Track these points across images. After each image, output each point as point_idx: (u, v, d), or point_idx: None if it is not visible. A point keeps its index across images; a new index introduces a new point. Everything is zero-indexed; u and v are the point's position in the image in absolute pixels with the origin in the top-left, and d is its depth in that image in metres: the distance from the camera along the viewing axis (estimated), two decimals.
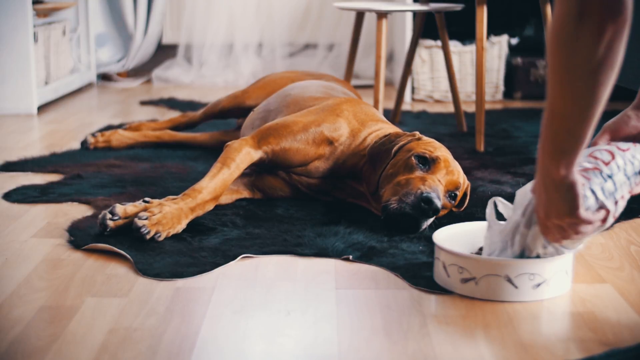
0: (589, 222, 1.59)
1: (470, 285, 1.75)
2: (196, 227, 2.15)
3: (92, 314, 1.66)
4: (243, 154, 2.29)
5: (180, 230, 2.11)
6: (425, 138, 2.32)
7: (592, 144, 1.70)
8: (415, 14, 3.84)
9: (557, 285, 1.76)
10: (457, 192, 2.24)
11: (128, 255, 1.96)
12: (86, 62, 4.79)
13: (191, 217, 2.14)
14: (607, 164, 1.64)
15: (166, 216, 2.07)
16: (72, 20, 4.70)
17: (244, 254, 2.00)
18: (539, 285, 1.73)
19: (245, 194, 2.43)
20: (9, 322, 1.62)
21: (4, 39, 3.82)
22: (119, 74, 5.06)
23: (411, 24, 4.39)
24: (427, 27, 4.30)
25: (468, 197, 2.32)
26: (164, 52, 5.27)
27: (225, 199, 2.37)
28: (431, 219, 2.13)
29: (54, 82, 4.23)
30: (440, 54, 4.43)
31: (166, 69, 5.09)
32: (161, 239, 2.05)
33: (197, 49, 5.13)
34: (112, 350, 1.51)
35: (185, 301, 1.73)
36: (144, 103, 4.28)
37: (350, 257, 1.99)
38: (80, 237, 2.09)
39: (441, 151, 2.25)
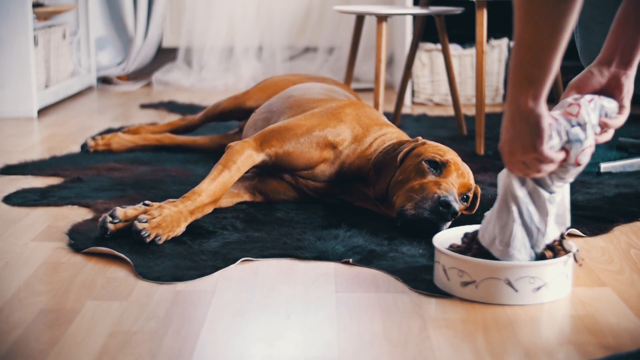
0: (550, 160, 1.62)
1: (471, 289, 1.75)
2: (196, 230, 2.15)
3: (92, 317, 1.66)
4: (245, 157, 2.29)
5: (179, 233, 2.11)
6: (430, 142, 2.32)
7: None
8: (415, 17, 3.84)
9: (557, 289, 1.76)
10: (469, 194, 2.24)
11: (128, 259, 1.96)
12: (86, 65, 4.80)
13: (190, 219, 2.14)
14: (576, 115, 1.67)
15: (166, 219, 2.07)
16: (72, 23, 4.71)
17: (244, 257, 2.00)
18: (539, 288, 1.73)
19: (246, 197, 2.43)
20: (9, 325, 1.62)
21: (4, 43, 3.82)
22: (119, 77, 5.07)
23: (411, 27, 4.39)
24: (427, 30, 4.31)
25: (479, 200, 2.32)
26: (164, 55, 5.28)
27: (226, 202, 2.37)
28: (449, 222, 2.13)
29: (54, 85, 4.24)
30: (440, 57, 4.43)
31: (166, 72, 5.09)
32: (161, 242, 2.05)
33: (197, 53, 5.13)
34: (112, 353, 1.51)
35: (185, 304, 1.73)
36: (144, 106, 4.28)
37: (351, 260, 1.99)
38: (81, 240, 2.09)
39: (450, 154, 2.25)
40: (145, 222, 2.05)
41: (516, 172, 1.68)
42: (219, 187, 2.21)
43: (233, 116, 3.12)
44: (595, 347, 1.55)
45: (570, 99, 1.71)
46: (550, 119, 1.63)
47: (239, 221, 2.24)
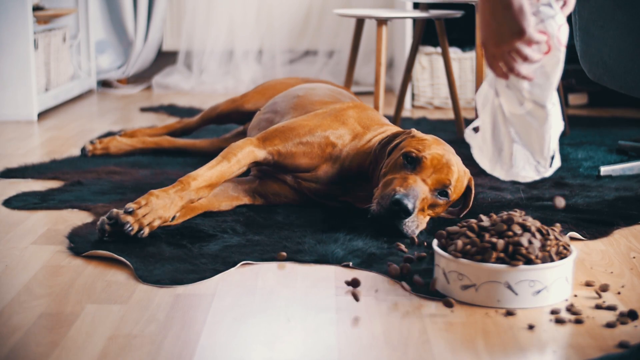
0: (536, 42, 1.64)
1: (470, 292, 1.75)
2: (196, 233, 2.15)
3: (92, 321, 1.66)
4: (246, 152, 2.30)
5: (169, 219, 2.12)
6: (420, 135, 2.30)
7: None
8: (415, 20, 3.85)
9: (557, 292, 1.76)
10: (448, 190, 2.21)
11: (128, 262, 1.96)
12: (86, 68, 4.80)
13: (181, 203, 2.15)
14: (537, 0, 1.69)
15: (153, 207, 2.09)
16: (72, 26, 4.71)
17: (244, 260, 2.00)
18: (539, 292, 1.73)
19: (245, 200, 2.43)
20: (9, 329, 1.62)
21: (5, 46, 3.82)
22: (119, 81, 5.07)
23: (411, 31, 4.39)
24: (427, 33, 4.31)
25: (473, 193, 2.31)
26: (164, 58, 5.28)
27: (225, 206, 2.37)
28: (410, 220, 2.12)
29: (54, 88, 4.24)
30: (440, 61, 4.43)
31: (166, 75, 5.09)
32: (145, 234, 2.07)
33: (197, 56, 5.13)
34: (112, 357, 1.51)
35: (185, 308, 1.73)
36: (144, 110, 4.28)
37: (350, 263, 1.99)
38: (80, 243, 2.09)
39: (432, 149, 2.23)
40: (131, 212, 2.06)
41: (498, 72, 1.69)
42: (216, 174, 2.22)
43: (231, 119, 3.11)
44: (595, 350, 1.55)
45: None
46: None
47: (239, 224, 2.24)
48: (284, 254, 2.00)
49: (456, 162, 2.26)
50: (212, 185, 2.21)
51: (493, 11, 1.62)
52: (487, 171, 1.77)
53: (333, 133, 2.38)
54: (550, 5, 1.67)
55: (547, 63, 1.68)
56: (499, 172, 1.76)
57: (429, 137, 2.30)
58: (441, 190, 2.21)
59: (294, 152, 2.35)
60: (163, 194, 2.13)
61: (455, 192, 2.24)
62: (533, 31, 1.63)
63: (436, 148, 2.24)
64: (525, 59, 1.66)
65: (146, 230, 2.07)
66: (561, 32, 1.68)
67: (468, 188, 2.29)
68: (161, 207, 2.10)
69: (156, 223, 2.09)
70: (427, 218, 2.21)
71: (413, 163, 2.19)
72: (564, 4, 1.73)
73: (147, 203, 2.09)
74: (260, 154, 2.33)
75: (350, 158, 2.37)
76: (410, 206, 2.09)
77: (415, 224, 2.14)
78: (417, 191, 2.14)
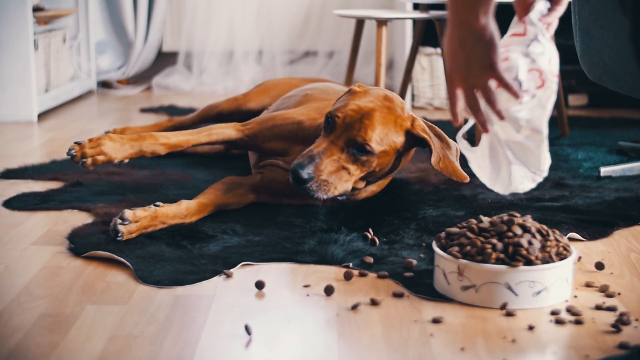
0: (505, 84, 1.56)
1: (471, 293, 1.75)
2: (196, 234, 2.15)
3: (92, 322, 1.66)
4: (221, 129, 2.42)
5: (115, 160, 2.22)
6: (359, 90, 2.30)
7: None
8: (415, 21, 3.85)
9: (557, 293, 1.76)
10: (366, 146, 2.17)
11: (128, 263, 1.96)
12: (86, 69, 4.80)
13: (131, 151, 2.25)
14: (524, 33, 1.65)
15: (102, 145, 2.20)
16: (72, 27, 4.71)
17: (244, 261, 2.00)
18: (539, 292, 1.73)
19: (251, 197, 2.42)
20: (8, 329, 1.62)
21: (5, 47, 3.82)
22: (119, 82, 5.07)
23: (411, 32, 4.39)
24: (427, 34, 4.31)
25: (431, 138, 2.24)
26: (164, 59, 5.28)
27: (233, 205, 2.37)
28: (314, 185, 2.13)
29: (54, 89, 4.24)
30: (440, 61, 4.43)
31: (166, 76, 5.09)
32: (87, 164, 2.18)
33: (197, 57, 5.13)
34: (112, 357, 1.51)
35: (185, 309, 1.73)
36: (144, 110, 4.28)
37: (350, 264, 1.99)
38: (80, 244, 2.09)
39: (350, 105, 2.21)
40: (80, 143, 2.19)
41: (456, 110, 1.64)
42: (180, 137, 2.33)
43: (233, 118, 3.06)
44: (596, 351, 1.55)
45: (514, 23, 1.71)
46: (503, 49, 1.62)
47: (239, 225, 2.24)
48: (228, 271, 1.93)
49: (382, 112, 2.21)
50: (168, 145, 2.30)
51: (462, 41, 1.54)
52: (488, 187, 1.77)
53: (309, 119, 2.42)
54: (537, 39, 1.64)
55: (542, 96, 1.66)
56: (499, 189, 1.76)
57: (361, 90, 2.29)
58: (358, 147, 2.18)
59: (268, 135, 2.43)
60: (118, 138, 2.24)
61: (384, 144, 2.19)
62: (502, 69, 1.56)
63: (355, 103, 2.22)
64: (489, 101, 1.58)
65: (88, 161, 2.18)
66: (552, 64, 1.65)
67: (412, 135, 2.24)
68: (110, 148, 2.22)
69: (100, 158, 2.20)
70: (356, 175, 2.20)
71: (330, 124, 2.21)
72: (549, 25, 1.69)
73: (98, 140, 2.21)
74: (235, 133, 2.43)
75: None
76: (304, 175, 2.12)
77: (322, 189, 2.15)
78: (315, 157, 2.15)
